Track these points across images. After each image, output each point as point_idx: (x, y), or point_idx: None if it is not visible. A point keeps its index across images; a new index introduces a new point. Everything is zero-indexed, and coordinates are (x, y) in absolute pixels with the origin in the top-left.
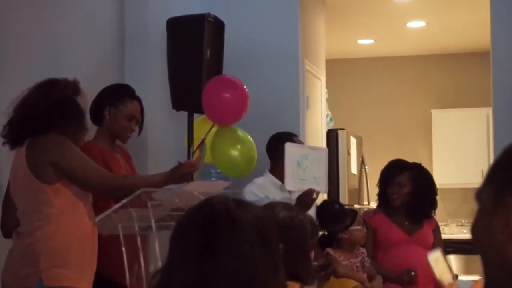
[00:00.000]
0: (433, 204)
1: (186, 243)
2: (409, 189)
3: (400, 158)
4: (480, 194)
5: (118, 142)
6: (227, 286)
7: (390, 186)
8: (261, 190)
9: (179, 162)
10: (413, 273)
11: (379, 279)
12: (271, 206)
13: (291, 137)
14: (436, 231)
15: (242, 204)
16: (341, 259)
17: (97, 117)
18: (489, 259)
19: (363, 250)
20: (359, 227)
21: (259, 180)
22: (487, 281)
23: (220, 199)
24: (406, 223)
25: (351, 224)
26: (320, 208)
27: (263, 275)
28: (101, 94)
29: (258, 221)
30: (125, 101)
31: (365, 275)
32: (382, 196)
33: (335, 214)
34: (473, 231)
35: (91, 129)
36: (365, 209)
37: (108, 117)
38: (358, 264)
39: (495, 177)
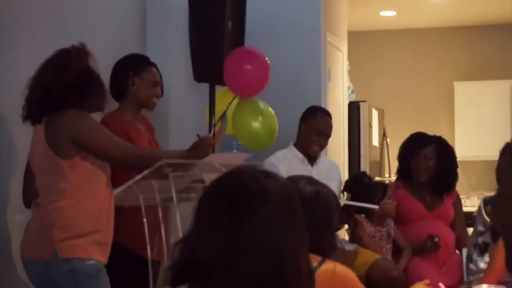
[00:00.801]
0: (455, 178)
1: (216, 212)
2: (434, 162)
3: (421, 131)
4: None
5: (143, 112)
6: (259, 254)
7: (415, 160)
8: (281, 162)
9: (198, 136)
10: (436, 239)
11: (407, 254)
12: (294, 179)
13: (325, 110)
14: (457, 203)
15: (269, 174)
16: (369, 225)
17: (119, 90)
18: None
19: (390, 221)
20: (389, 201)
21: (280, 153)
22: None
23: (248, 169)
24: (428, 197)
25: (382, 198)
26: (350, 182)
27: (292, 244)
28: (120, 67)
29: (286, 192)
30: (146, 69)
31: (389, 246)
32: (404, 170)
33: (366, 188)
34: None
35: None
36: (387, 183)
37: (133, 88)
38: (384, 233)
39: None
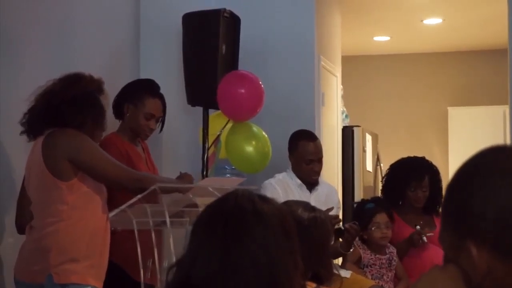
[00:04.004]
0: (441, 201)
1: (211, 234)
2: (429, 190)
3: (410, 157)
4: (442, 238)
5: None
6: (253, 276)
7: (414, 192)
8: (280, 185)
9: (181, 173)
10: (418, 227)
11: (402, 284)
12: (290, 204)
13: (306, 134)
14: None
15: (265, 199)
16: (367, 253)
17: (118, 112)
18: None
19: (392, 249)
20: (374, 228)
21: (280, 176)
22: None
23: (244, 192)
24: (421, 222)
25: (366, 224)
26: (356, 205)
27: (286, 268)
28: (122, 90)
29: (281, 216)
30: (143, 99)
31: (390, 274)
32: (399, 196)
33: (358, 213)
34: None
35: (113, 124)
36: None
37: (127, 114)
38: (384, 261)
39: (449, 221)
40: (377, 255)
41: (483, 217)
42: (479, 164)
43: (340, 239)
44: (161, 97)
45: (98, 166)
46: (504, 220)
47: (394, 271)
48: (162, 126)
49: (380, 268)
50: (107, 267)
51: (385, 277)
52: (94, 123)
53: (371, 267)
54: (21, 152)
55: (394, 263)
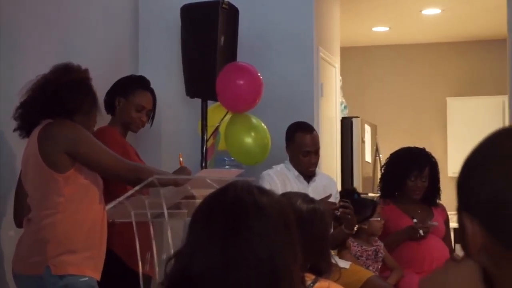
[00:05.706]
0: (439, 190)
1: (211, 227)
2: (428, 181)
3: (410, 148)
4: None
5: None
6: (253, 269)
7: (413, 181)
8: (279, 176)
9: (181, 163)
10: (415, 220)
11: (396, 273)
12: (289, 196)
13: (302, 126)
14: (447, 222)
15: (264, 190)
16: (354, 245)
17: (109, 107)
18: None
19: (380, 242)
20: (378, 219)
21: (278, 167)
22: None
23: (244, 184)
24: (419, 211)
25: (371, 215)
26: (339, 196)
27: (286, 260)
28: (114, 85)
29: (281, 208)
30: (135, 92)
31: (376, 265)
32: (397, 185)
33: (355, 204)
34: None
35: (102, 120)
36: (376, 200)
37: (118, 107)
38: (370, 253)
39: (458, 193)
40: (363, 247)
41: (478, 197)
42: (485, 150)
43: (343, 225)
44: (152, 91)
45: (95, 158)
46: (497, 202)
47: (380, 263)
48: (153, 121)
49: (366, 260)
50: (107, 257)
51: (371, 268)
52: (89, 110)
53: (358, 258)
54: (21, 145)
55: (380, 255)
